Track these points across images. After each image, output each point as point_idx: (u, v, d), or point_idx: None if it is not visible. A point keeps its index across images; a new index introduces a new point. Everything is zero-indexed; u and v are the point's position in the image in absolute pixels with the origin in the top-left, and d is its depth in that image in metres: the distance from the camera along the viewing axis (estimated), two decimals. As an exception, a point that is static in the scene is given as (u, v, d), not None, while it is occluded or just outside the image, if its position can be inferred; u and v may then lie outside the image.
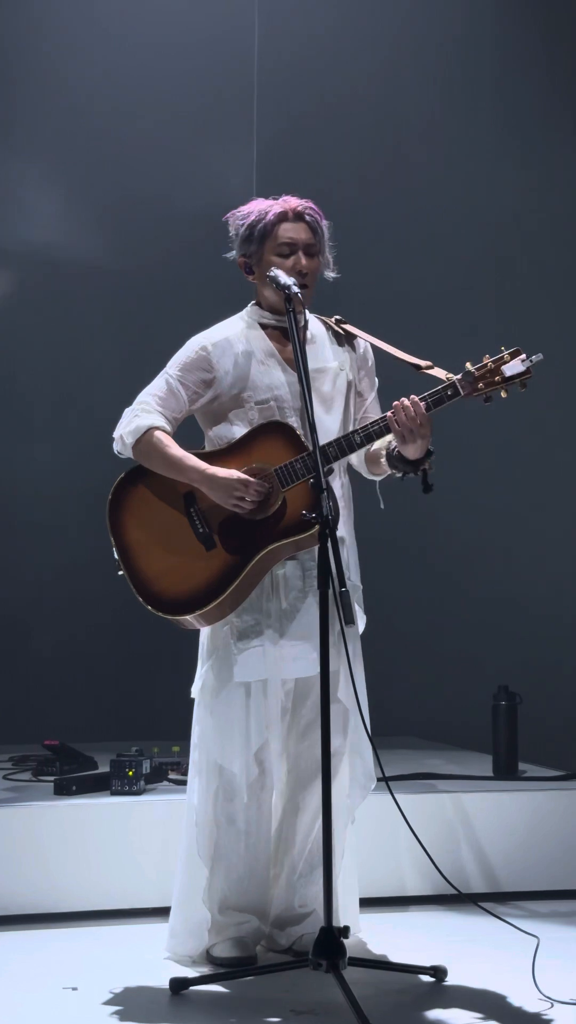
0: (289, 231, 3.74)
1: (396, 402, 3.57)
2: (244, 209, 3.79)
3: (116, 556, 3.70)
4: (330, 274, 3.81)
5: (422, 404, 3.56)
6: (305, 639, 3.67)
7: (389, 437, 3.65)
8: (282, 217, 3.74)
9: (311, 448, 3.54)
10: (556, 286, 6.64)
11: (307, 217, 3.76)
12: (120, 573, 3.70)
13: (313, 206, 3.80)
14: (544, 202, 6.65)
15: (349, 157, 6.42)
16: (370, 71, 6.48)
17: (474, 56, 6.64)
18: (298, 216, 3.76)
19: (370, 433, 3.61)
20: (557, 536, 6.60)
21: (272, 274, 3.70)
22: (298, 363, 3.54)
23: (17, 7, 6.15)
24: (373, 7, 6.51)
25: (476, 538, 6.52)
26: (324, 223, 3.79)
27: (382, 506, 3.81)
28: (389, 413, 3.58)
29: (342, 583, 3.28)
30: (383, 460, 3.73)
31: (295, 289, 3.63)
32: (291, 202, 3.77)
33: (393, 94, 6.53)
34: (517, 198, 6.62)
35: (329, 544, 3.33)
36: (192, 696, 3.81)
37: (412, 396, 3.57)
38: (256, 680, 3.68)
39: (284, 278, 3.67)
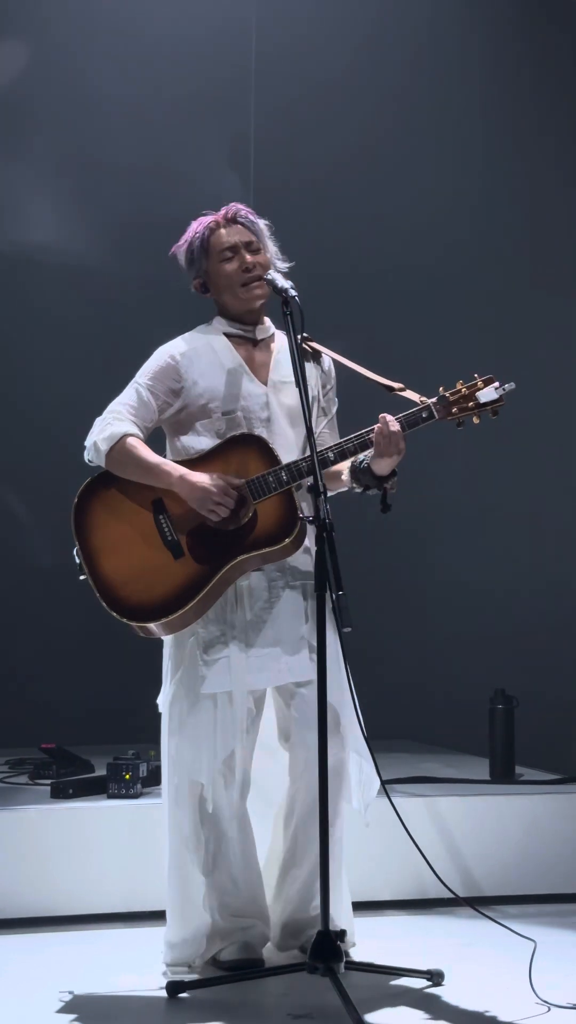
0: (225, 237, 3.80)
1: (382, 415, 3.61)
2: (184, 237, 3.86)
3: (79, 560, 3.69)
4: (282, 265, 3.82)
5: (397, 424, 3.61)
6: (272, 651, 3.68)
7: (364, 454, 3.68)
8: (214, 227, 3.82)
9: (287, 459, 3.62)
10: (546, 294, 6.66)
11: (239, 219, 3.82)
12: (82, 577, 3.69)
13: (243, 207, 3.85)
14: (543, 207, 6.66)
15: (345, 157, 6.42)
16: (368, 71, 6.48)
17: (470, 52, 6.64)
18: (229, 221, 3.82)
19: (365, 442, 3.64)
20: (554, 540, 6.61)
21: (269, 277, 3.72)
22: (295, 363, 3.55)
23: (8, 8, 6.15)
24: (369, 5, 6.52)
25: (472, 542, 6.52)
26: (260, 220, 3.84)
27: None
28: (377, 425, 3.61)
29: (339, 588, 3.29)
30: (344, 475, 3.75)
31: (292, 292, 3.64)
32: (220, 211, 3.84)
33: (390, 100, 6.53)
34: (515, 200, 6.62)
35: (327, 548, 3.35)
36: (159, 709, 3.81)
37: (422, 398, 3.63)
38: (222, 692, 3.68)
39: (281, 281, 3.70)
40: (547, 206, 6.66)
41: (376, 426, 3.62)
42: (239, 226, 3.80)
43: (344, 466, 3.74)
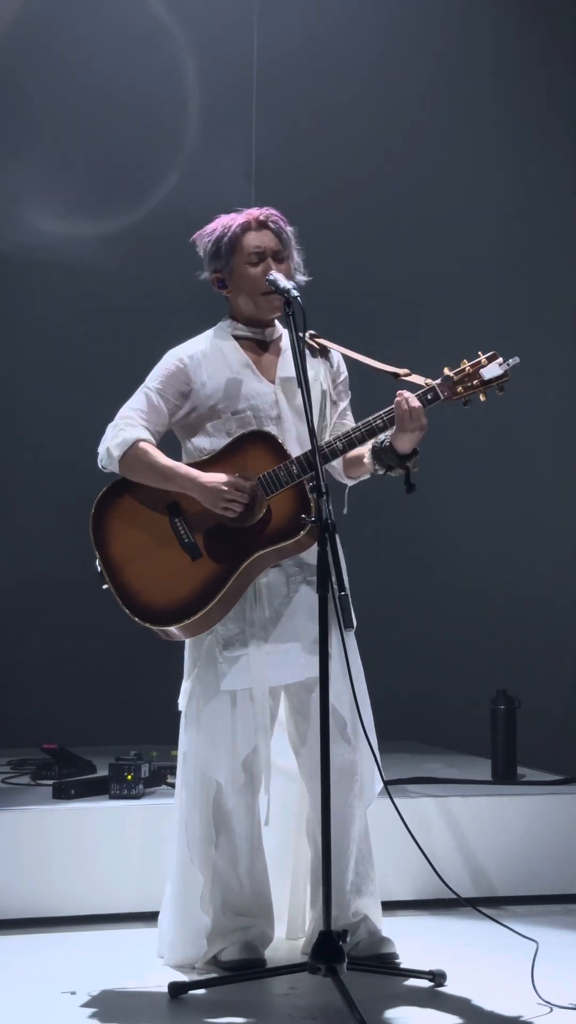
0: (255, 240, 3.78)
1: (400, 392, 3.63)
2: (209, 227, 3.85)
3: (100, 569, 3.70)
4: (301, 278, 3.83)
5: (416, 399, 3.63)
6: (290, 647, 3.69)
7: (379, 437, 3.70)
8: (246, 227, 3.79)
9: (298, 454, 3.63)
10: (549, 289, 6.65)
11: (271, 224, 3.81)
12: (104, 587, 3.70)
13: (276, 212, 3.84)
14: (539, 207, 6.66)
15: (347, 160, 6.42)
16: (368, 73, 6.48)
17: (472, 59, 6.65)
18: (262, 224, 3.80)
19: (372, 428, 3.65)
20: (555, 540, 6.60)
21: (271, 278, 3.72)
22: (297, 364, 3.55)
23: (11, 7, 6.15)
24: (371, 10, 6.52)
25: (474, 542, 6.52)
26: (288, 229, 3.83)
27: (345, 511, 3.81)
28: (396, 401, 3.62)
29: (341, 587, 3.30)
30: (366, 459, 3.76)
31: (295, 293, 3.64)
32: (253, 212, 3.82)
33: (390, 98, 6.53)
34: (513, 202, 6.62)
35: (328, 548, 3.34)
36: (179, 708, 3.82)
37: (428, 380, 3.66)
38: (242, 689, 3.69)
39: (283, 282, 3.70)
40: (553, 198, 6.66)
41: (388, 409, 3.63)
42: (270, 232, 3.80)
43: (365, 449, 3.75)
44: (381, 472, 3.75)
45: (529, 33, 6.68)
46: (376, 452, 3.72)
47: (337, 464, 3.88)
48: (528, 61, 6.69)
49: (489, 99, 6.67)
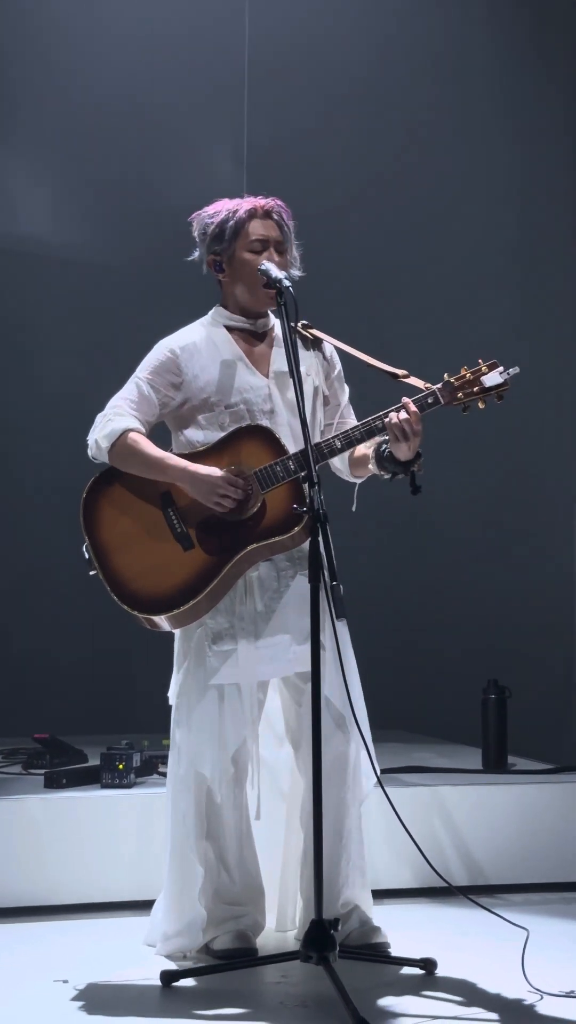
0: (260, 228, 3.78)
1: (404, 399, 3.63)
2: (211, 208, 3.83)
3: (89, 555, 3.69)
4: (296, 272, 3.82)
5: (406, 412, 3.62)
6: (280, 641, 3.69)
7: (377, 439, 3.70)
8: (252, 214, 3.79)
9: (293, 449, 3.63)
10: (552, 284, 6.66)
11: (275, 215, 3.80)
12: (92, 573, 3.70)
13: (281, 204, 3.84)
14: (538, 204, 6.66)
15: (340, 152, 6.41)
16: (362, 65, 6.48)
17: (467, 53, 6.64)
18: (267, 214, 3.80)
19: (372, 428, 3.65)
20: (547, 530, 6.62)
21: (264, 267, 3.72)
22: (289, 357, 3.55)
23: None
24: (365, 2, 6.51)
25: (465, 532, 6.53)
26: (290, 222, 3.83)
27: (354, 508, 3.82)
28: (390, 415, 3.62)
29: (333, 578, 3.30)
30: (371, 464, 3.76)
31: (287, 283, 3.64)
32: (259, 201, 3.82)
33: (385, 89, 6.53)
34: (511, 198, 6.62)
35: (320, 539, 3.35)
36: (170, 703, 3.82)
37: (427, 385, 3.65)
38: (230, 683, 3.69)
39: (275, 271, 3.69)
40: (549, 191, 6.66)
41: (388, 410, 3.63)
42: (273, 223, 3.79)
43: (369, 450, 3.75)
44: (387, 477, 3.75)
45: (529, 17, 6.67)
46: (379, 460, 3.73)
47: (342, 465, 3.88)
48: (527, 49, 6.67)
49: (488, 82, 6.66)
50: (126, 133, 6.24)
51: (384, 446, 3.70)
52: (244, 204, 3.80)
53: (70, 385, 5.97)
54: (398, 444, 3.64)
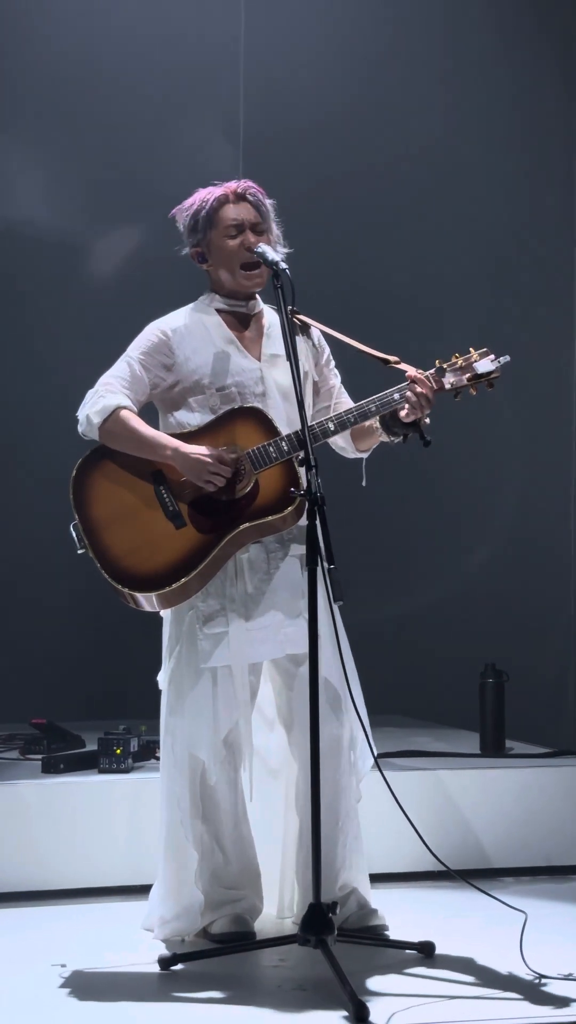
0: (232, 212, 3.77)
1: (415, 374, 3.67)
2: (187, 202, 3.83)
3: (76, 533, 3.67)
4: (282, 249, 3.81)
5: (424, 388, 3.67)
6: (271, 623, 3.68)
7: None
8: (224, 200, 3.78)
9: (286, 432, 3.62)
10: (550, 281, 6.66)
11: (249, 197, 3.79)
12: (80, 551, 3.68)
13: (253, 185, 3.82)
14: (537, 201, 6.64)
15: (334, 144, 6.39)
16: (359, 60, 6.45)
17: (463, 48, 6.61)
18: (239, 197, 3.79)
19: (365, 412, 3.67)
20: (544, 514, 6.61)
21: (260, 250, 3.71)
22: (286, 338, 3.54)
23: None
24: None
25: (463, 515, 6.52)
26: (268, 201, 3.82)
27: (364, 483, 3.82)
28: (407, 392, 3.65)
29: (330, 560, 3.30)
30: (377, 431, 3.77)
31: (283, 265, 3.63)
32: (231, 185, 3.81)
33: (383, 84, 6.50)
34: (509, 193, 6.60)
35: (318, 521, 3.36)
36: (160, 687, 3.81)
37: (419, 371, 3.68)
38: (222, 665, 3.68)
39: (272, 254, 3.68)
40: (549, 174, 6.66)
41: (382, 394, 3.67)
42: (248, 204, 3.78)
43: (375, 423, 3.77)
44: (397, 440, 3.77)
45: (524, 17, 6.65)
46: (386, 426, 3.75)
47: (344, 442, 3.88)
48: (524, 46, 6.65)
49: (487, 70, 6.62)
50: (123, 120, 6.20)
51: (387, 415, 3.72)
52: (216, 191, 3.80)
53: (62, 367, 5.93)
54: (416, 413, 3.67)
